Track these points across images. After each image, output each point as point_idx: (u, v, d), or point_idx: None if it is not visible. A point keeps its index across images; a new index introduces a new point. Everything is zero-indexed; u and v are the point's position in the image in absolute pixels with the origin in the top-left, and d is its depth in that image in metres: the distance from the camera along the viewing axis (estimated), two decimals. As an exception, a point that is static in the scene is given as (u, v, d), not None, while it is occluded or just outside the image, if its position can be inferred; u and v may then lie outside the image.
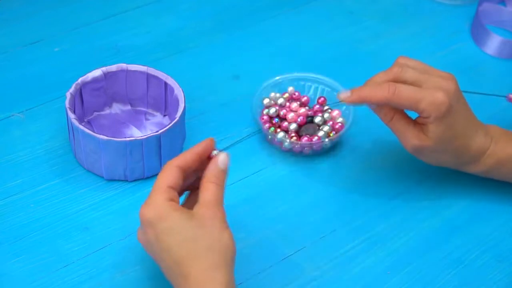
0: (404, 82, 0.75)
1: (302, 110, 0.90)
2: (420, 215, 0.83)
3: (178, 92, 0.86)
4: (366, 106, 0.78)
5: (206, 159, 0.70)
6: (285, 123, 0.89)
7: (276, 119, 0.90)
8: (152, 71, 0.88)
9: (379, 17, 1.11)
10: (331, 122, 0.90)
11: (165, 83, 0.88)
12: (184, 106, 0.84)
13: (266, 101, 0.91)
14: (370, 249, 0.79)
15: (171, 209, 0.66)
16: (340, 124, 0.89)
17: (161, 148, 0.82)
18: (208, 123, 0.92)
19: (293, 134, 0.88)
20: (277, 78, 0.93)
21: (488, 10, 1.09)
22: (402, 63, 0.77)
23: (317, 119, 0.89)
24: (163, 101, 0.90)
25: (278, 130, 0.89)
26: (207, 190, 0.67)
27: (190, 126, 0.90)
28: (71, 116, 0.81)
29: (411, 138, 0.76)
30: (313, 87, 0.94)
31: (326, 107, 0.92)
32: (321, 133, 0.88)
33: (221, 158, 0.69)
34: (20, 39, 1.01)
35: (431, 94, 0.73)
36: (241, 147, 0.89)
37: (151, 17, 1.07)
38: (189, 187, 0.72)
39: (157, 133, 0.81)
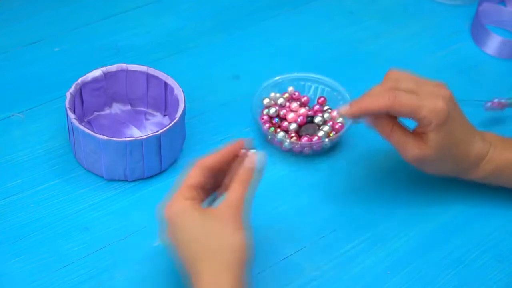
0: None
1: (302, 110, 0.90)
2: (420, 215, 0.83)
3: (178, 92, 0.86)
4: (364, 122, 0.78)
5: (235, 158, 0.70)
6: (285, 123, 0.89)
7: (276, 119, 0.90)
8: (152, 71, 0.88)
9: (379, 17, 1.11)
10: (331, 122, 0.90)
11: (165, 83, 0.88)
12: (184, 106, 0.84)
13: (266, 101, 0.91)
14: (370, 249, 0.79)
15: (187, 208, 0.66)
16: (340, 124, 0.89)
17: (161, 148, 0.82)
18: (208, 123, 0.92)
19: (293, 134, 0.88)
20: (277, 78, 0.93)
21: (488, 10, 1.09)
22: (394, 75, 0.77)
23: (317, 119, 0.89)
24: (163, 101, 0.90)
25: (278, 130, 0.89)
26: (230, 189, 0.68)
27: (190, 126, 0.90)
28: (71, 116, 0.81)
29: (412, 149, 0.76)
30: (313, 87, 0.94)
31: (326, 107, 0.92)
32: (321, 133, 0.88)
33: (248, 158, 0.69)
34: (20, 39, 1.01)
35: (431, 101, 0.74)
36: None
37: (151, 17, 1.07)
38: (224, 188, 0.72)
39: (157, 133, 0.81)
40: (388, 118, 0.76)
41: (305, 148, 0.87)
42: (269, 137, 0.88)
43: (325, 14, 1.10)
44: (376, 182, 0.86)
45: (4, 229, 0.78)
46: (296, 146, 0.87)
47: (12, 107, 0.91)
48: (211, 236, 0.65)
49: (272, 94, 0.93)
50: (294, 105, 0.91)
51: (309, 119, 0.90)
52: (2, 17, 1.04)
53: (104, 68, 0.87)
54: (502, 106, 0.92)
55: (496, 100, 0.92)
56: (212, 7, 1.10)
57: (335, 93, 0.93)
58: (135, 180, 0.84)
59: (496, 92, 0.99)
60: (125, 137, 0.81)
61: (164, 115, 0.91)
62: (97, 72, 0.87)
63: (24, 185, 0.83)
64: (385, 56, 1.04)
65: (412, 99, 0.74)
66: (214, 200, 0.71)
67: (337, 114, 0.78)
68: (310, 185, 0.86)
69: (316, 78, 0.94)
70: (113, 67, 0.88)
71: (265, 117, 0.90)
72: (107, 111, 0.91)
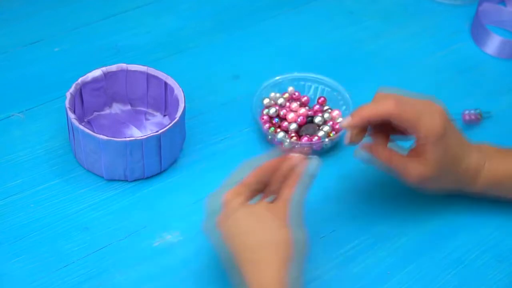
0: None
1: (302, 110, 0.90)
2: (420, 215, 0.83)
3: (178, 92, 0.86)
4: (361, 159, 0.78)
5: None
6: (285, 123, 0.89)
7: (276, 119, 0.90)
8: (152, 71, 0.88)
9: (379, 17, 1.11)
10: (331, 122, 0.90)
11: (165, 83, 0.88)
12: (184, 106, 0.84)
13: (266, 101, 0.91)
14: (370, 249, 0.79)
15: (240, 202, 0.69)
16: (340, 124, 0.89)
17: (161, 148, 0.82)
18: (208, 123, 0.92)
19: (293, 134, 0.88)
20: (277, 78, 0.93)
21: (488, 10, 1.09)
22: (384, 95, 0.76)
23: (317, 119, 0.89)
24: (163, 101, 0.90)
25: (278, 130, 0.89)
26: (281, 191, 0.71)
27: (190, 126, 0.90)
28: (71, 116, 0.81)
29: (413, 170, 0.76)
30: (313, 87, 0.94)
31: (326, 107, 0.92)
32: (321, 133, 0.88)
33: (301, 163, 0.72)
34: (20, 39, 1.01)
35: (428, 118, 0.74)
36: (241, 147, 0.89)
37: (151, 17, 1.07)
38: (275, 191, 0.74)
39: (157, 133, 0.81)
40: (385, 144, 0.77)
41: (305, 148, 0.87)
42: (269, 137, 0.88)
43: (325, 14, 1.10)
44: (376, 182, 0.86)
45: (4, 229, 0.78)
46: (296, 146, 0.87)
47: (12, 107, 0.91)
48: (259, 230, 0.68)
49: (272, 94, 0.93)
50: (294, 105, 0.91)
51: (309, 119, 0.90)
52: (2, 17, 1.04)
53: (104, 68, 0.87)
54: (476, 118, 0.93)
55: (466, 112, 0.93)
56: (212, 7, 1.10)
57: (335, 93, 0.93)
58: (135, 180, 0.84)
59: (496, 92, 0.99)
60: (125, 137, 0.81)
61: (164, 115, 0.91)
62: (97, 72, 0.87)
63: (24, 185, 0.83)
64: (385, 56, 1.04)
65: (413, 107, 0.74)
66: (259, 201, 0.73)
67: (339, 127, 0.78)
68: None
69: (316, 78, 0.94)
70: (113, 67, 0.88)
71: (265, 117, 0.90)
72: (107, 111, 0.91)
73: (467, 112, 0.93)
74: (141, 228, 0.80)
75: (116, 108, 0.91)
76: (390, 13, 1.12)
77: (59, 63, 0.98)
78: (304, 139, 0.87)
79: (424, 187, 0.78)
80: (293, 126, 0.88)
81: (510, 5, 1.11)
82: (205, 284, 0.75)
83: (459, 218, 0.83)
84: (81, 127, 0.80)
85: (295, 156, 0.73)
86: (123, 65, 0.88)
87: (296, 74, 0.94)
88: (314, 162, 0.73)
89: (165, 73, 0.88)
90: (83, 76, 0.86)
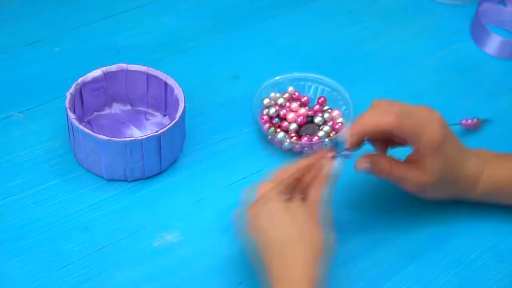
0: None
1: (302, 110, 0.90)
2: (420, 215, 0.83)
3: (178, 92, 0.86)
4: (362, 172, 0.78)
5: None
6: (285, 123, 0.89)
7: (276, 119, 0.90)
8: (152, 71, 0.88)
9: (379, 17, 1.11)
10: (331, 122, 0.90)
11: (165, 83, 0.88)
12: (184, 106, 0.84)
13: (266, 101, 0.91)
14: (370, 249, 0.79)
15: (276, 197, 0.70)
16: (340, 124, 0.89)
17: (161, 148, 0.82)
18: (208, 123, 0.92)
19: (293, 134, 0.88)
20: (277, 78, 0.93)
21: (488, 10, 1.09)
22: (380, 103, 0.76)
23: (317, 119, 0.89)
24: (163, 101, 0.90)
25: (278, 130, 0.89)
26: (311, 189, 0.72)
27: (190, 126, 0.90)
28: (71, 116, 0.81)
29: (414, 178, 0.76)
30: (313, 87, 0.94)
31: (326, 107, 0.92)
32: (321, 133, 0.88)
33: (326, 164, 0.74)
34: (20, 39, 1.01)
35: (428, 126, 0.73)
36: (241, 147, 0.89)
37: (151, 17, 1.07)
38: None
39: (157, 133, 0.81)
40: (384, 153, 0.78)
41: (305, 148, 0.87)
42: (269, 137, 0.88)
43: (325, 14, 1.10)
44: (376, 182, 0.86)
45: (4, 229, 0.78)
46: (296, 146, 0.87)
47: (12, 107, 0.91)
48: (292, 226, 0.69)
49: (272, 94, 0.93)
50: (294, 105, 0.91)
51: (309, 119, 0.90)
52: (2, 17, 1.04)
53: (104, 68, 0.87)
54: (474, 125, 0.92)
55: (463, 122, 0.92)
56: (212, 7, 1.10)
57: (335, 93, 0.93)
58: (135, 180, 0.84)
59: (496, 92, 0.99)
60: (125, 137, 0.81)
61: (164, 115, 0.91)
62: (97, 72, 0.87)
63: (24, 185, 0.83)
64: (385, 56, 1.04)
65: (414, 118, 0.73)
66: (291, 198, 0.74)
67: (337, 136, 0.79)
68: (310, 185, 0.86)
69: (316, 78, 0.94)
70: (113, 67, 0.88)
71: (265, 117, 0.90)
72: (107, 111, 0.91)
73: (463, 121, 0.92)
74: (141, 228, 0.80)
75: (116, 108, 0.91)
76: (390, 13, 1.12)
77: (59, 63, 0.98)
78: (304, 139, 0.87)
79: (424, 195, 0.78)
80: (293, 126, 0.88)
81: (510, 5, 1.11)
82: (205, 284, 0.75)
83: (459, 218, 0.83)
84: (81, 127, 0.80)
85: (328, 156, 0.74)
86: (123, 65, 0.88)
87: (296, 74, 0.94)
88: (338, 162, 0.74)
89: (165, 73, 0.88)
90: (83, 76, 0.86)
